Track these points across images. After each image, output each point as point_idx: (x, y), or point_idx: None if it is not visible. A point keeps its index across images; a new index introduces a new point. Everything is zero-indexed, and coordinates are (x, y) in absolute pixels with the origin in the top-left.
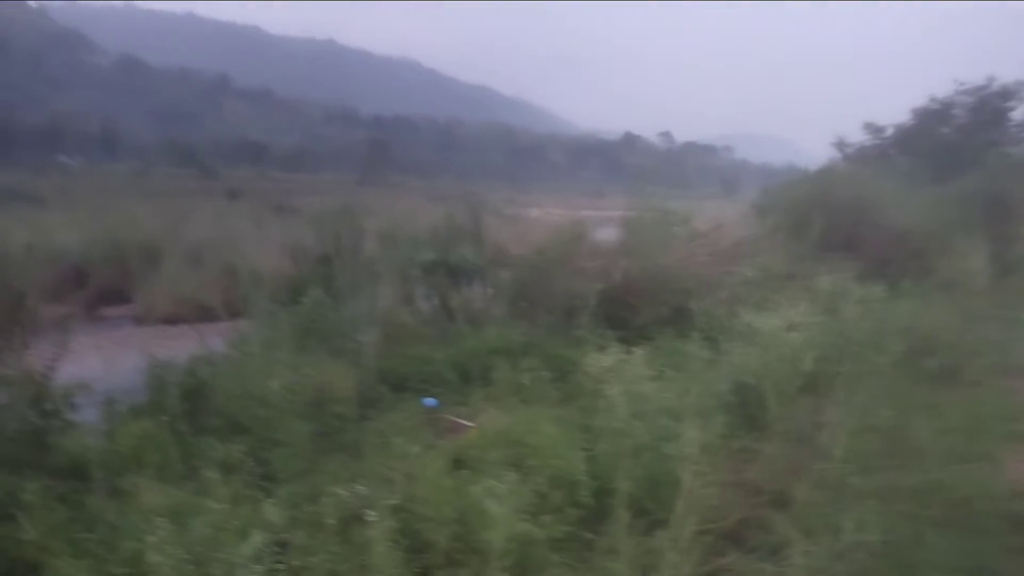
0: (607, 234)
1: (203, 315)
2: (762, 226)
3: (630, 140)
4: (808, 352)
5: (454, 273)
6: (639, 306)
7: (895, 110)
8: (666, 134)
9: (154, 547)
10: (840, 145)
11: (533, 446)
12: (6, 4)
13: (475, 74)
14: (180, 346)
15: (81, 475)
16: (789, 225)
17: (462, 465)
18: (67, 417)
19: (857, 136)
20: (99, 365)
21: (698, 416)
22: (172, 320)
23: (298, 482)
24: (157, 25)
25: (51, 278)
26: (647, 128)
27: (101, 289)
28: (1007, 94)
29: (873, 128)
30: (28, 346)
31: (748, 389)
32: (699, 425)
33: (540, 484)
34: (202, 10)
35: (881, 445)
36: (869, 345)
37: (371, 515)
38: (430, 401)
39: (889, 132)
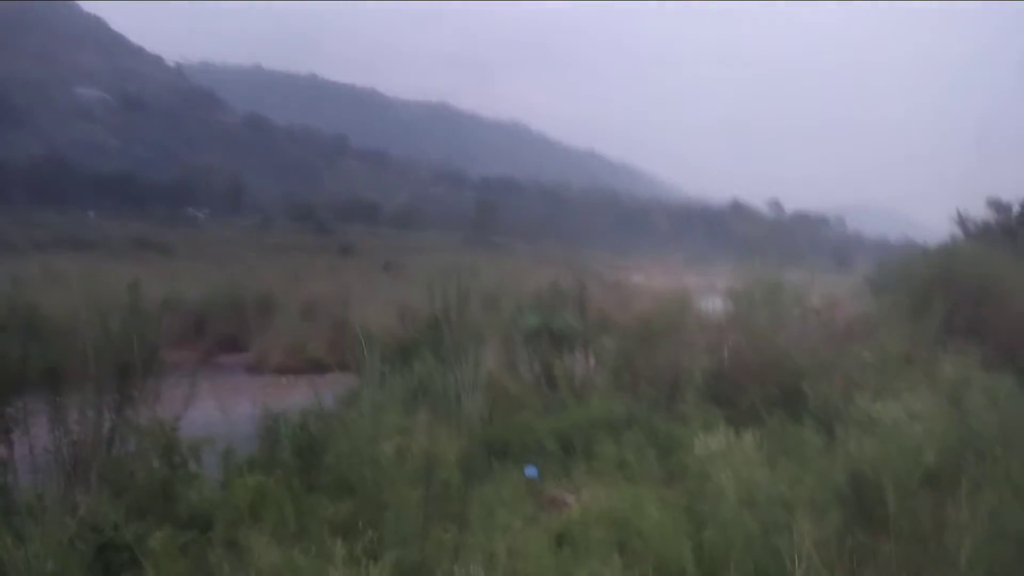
0: (713, 305)
1: (313, 367)
2: (878, 304)
3: (737, 208)
4: (930, 445)
5: (557, 339)
6: (747, 385)
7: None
8: (775, 203)
9: None
10: (962, 221)
11: (637, 529)
12: (147, 64)
13: (582, 138)
14: (291, 396)
15: (201, 525)
16: (908, 305)
17: (565, 542)
18: (192, 469)
19: (980, 212)
20: (215, 411)
21: (812, 508)
22: (283, 370)
23: (405, 549)
24: (282, 85)
25: (176, 326)
26: (755, 196)
27: (218, 336)
28: None
29: (997, 204)
30: (158, 396)
31: (865, 481)
32: (813, 518)
33: (645, 571)
34: (324, 72)
35: (1013, 553)
36: (997, 441)
37: None
38: (531, 471)
39: (1016, 209)
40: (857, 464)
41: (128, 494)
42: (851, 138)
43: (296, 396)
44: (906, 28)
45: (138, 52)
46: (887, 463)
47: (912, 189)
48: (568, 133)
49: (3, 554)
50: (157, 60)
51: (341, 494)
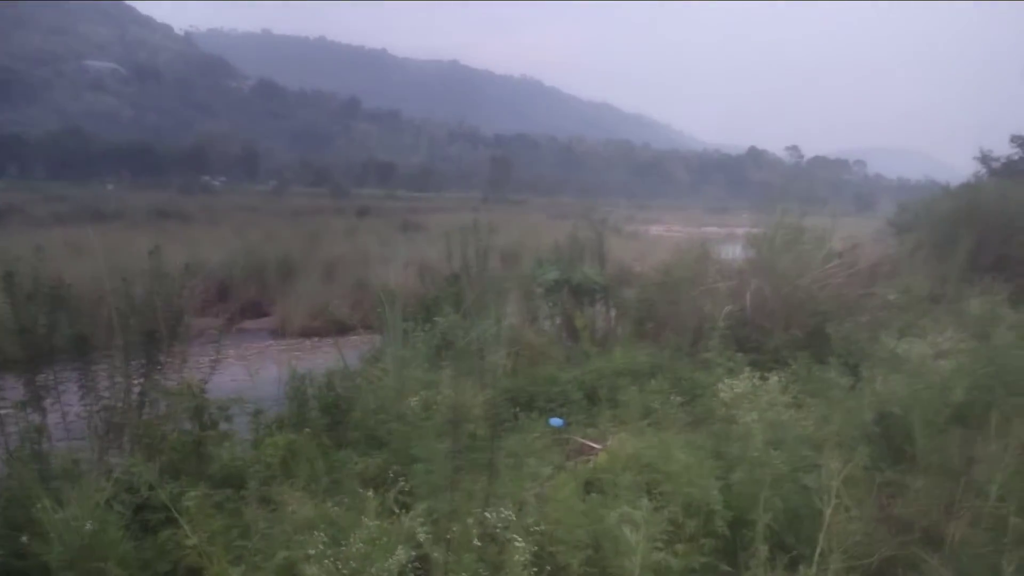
0: (734, 252)
1: (336, 328)
2: (901, 245)
3: (755, 155)
4: (959, 381)
5: (577, 292)
6: (772, 329)
7: None
8: (793, 148)
9: (312, 559)
10: (985, 158)
11: (665, 472)
12: (156, 34)
13: (596, 91)
14: (315, 358)
15: (234, 483)
16: (932, 244)
17: (593, 488)
18: (223, 428)
19: (1004, 149)
20: (242, 375)
21: (839, 446)
22: (307, 333)
23: (436, 499)
24: (291, 49)
25: (199, 292)
26: (773, 142)
27: (241, 302)
28: None
29: (1022, 141)
30: (186, 359)
31: (893, 419)
32: (841, 456)
33: (674, 512)
34: (333, 35)
35: None
36: None
37: (512, 537)
38: (557, 421)
39: None
40: (884, 402)
41: (161, 455)
42: (870, 79)
43: (321, 357)
44: None
45: (147, 22)
46: (915, 400)
47: (933, 129)
48: (582, 86)
49: (44, 517)
50: (166, 29)
51: (369, 449)
